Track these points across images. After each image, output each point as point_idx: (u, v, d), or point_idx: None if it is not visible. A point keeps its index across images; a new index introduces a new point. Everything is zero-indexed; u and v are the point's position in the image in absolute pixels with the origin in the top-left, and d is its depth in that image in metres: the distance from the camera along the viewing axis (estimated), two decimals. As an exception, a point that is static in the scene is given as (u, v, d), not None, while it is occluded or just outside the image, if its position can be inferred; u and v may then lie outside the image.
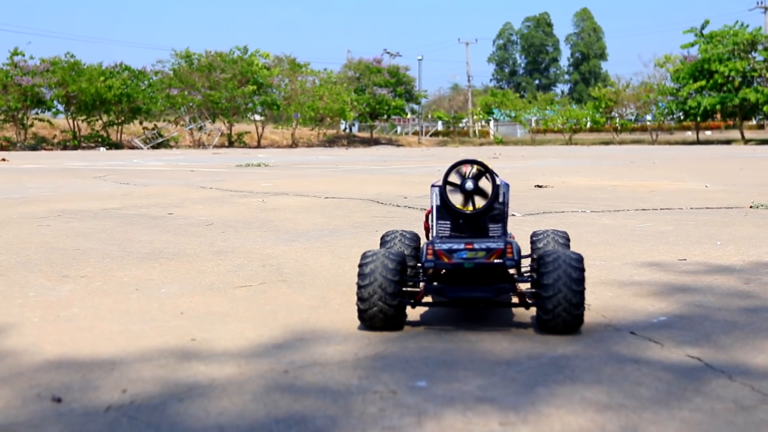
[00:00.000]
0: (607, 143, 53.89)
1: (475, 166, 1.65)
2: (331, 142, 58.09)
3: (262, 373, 1.22)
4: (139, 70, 45.27)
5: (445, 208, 1.63)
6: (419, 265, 1.68)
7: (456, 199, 1.63)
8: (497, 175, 1.64)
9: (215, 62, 46.52)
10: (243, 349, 1.38)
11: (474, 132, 68.81)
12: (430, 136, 70.40)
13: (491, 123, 67.18)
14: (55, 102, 41.31)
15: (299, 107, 49.16)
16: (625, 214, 3.66)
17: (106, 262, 2.38)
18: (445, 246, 1.52)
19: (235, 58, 47.30)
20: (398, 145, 60.12)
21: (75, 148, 41.11)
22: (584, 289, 1.44)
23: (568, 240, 1.91)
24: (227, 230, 3.13)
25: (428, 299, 1.74)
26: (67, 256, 2.48)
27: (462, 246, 1.51)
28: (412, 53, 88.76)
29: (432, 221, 1.66)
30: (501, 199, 1.65)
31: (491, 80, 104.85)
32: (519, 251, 1.62)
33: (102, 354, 1.35)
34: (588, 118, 56.85)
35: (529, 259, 1.89)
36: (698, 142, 46.06)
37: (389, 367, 1.24)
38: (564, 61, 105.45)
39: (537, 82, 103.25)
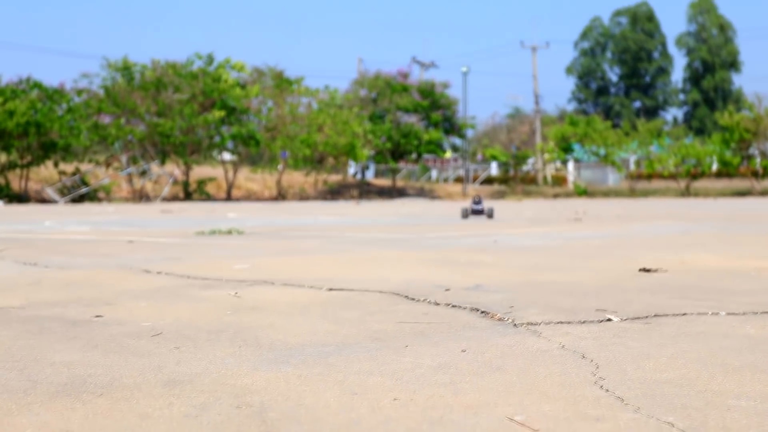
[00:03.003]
0: (742, 194, 53.99)
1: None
2: (335, 193, 58.52)
3: None
4: (54, 89, 46.10)
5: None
6: None
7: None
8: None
9: (166, 77, 47.32)
10: None
11: (544, 178, 69.06)
12: (481, 183, 70.78)
13: (569, 165, 67.43)
14: None
15: (288, 142, 49.70)
16: (780, 319, 3.60)
17: None
18: None
19: (195, 71, 48.08)
20: (433, 197, 60.48)
21: (-44, 202, 41.63)
22: None
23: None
24: (183, 345, 3.10)
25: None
26: (-55, 390, 2.46)
27: None
28: (453, 64, 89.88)
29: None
30: None
31: (570, 101, 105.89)
32: None
33: None
34: (714, 158, 57.04)
35: None
36: None
37: None
38: (677, 74, 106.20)
39: (637, 104, 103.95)
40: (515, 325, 3.46)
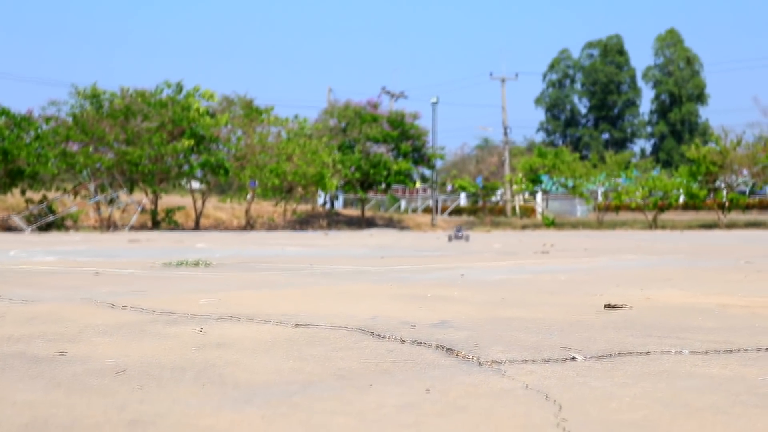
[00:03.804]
0: (709, 226, 54.37)
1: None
2: (303, 222, 58.48)
3: None
4: (22, 115, 45.89)
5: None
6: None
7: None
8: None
9: (135, 105, 47.20)
10: None
11: (513, 209, 69.31)
12: (449, 214, 70.99)
13: (538, 196, 67.71)
14: None
15: (257, 171, 49.66)
16: (742, 358, 3.63)
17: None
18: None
19: (164, 99, 47.98)
20: (402, 228, 60.56)
21: None
22: None
23: None
24: (147, 383, 3.09)
25: None
26: None
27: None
28: (422, 94, 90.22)
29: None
30: None
31: (539, 131, 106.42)
32: None
33: None
34: (681, 190, 57.46)
35: None
36: (844, 226, 46.41)
37: None
38: (645, 106, 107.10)
39: (606, 136, 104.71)
40: (480, 363, 3.47)
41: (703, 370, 3.34)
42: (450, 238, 23.89)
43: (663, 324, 4.69)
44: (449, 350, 3.75)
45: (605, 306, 5.45)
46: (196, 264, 9.96)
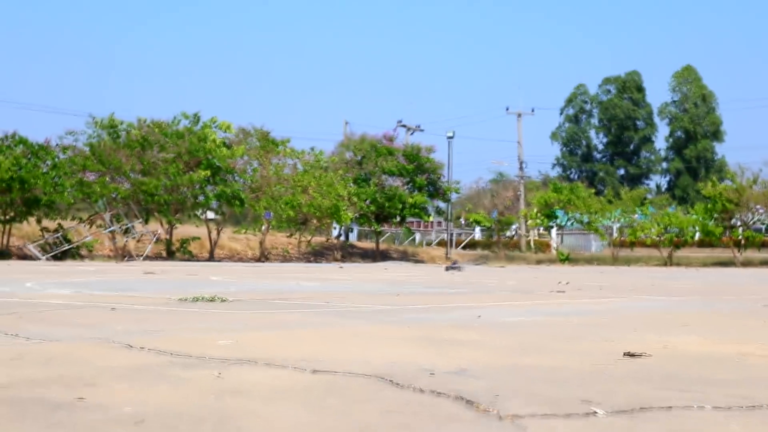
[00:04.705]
0: (724, 264, 54.13)
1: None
2: (317, 254, 58.51)
3: None
4: (39, 144, 46.10)
5: None
6: None
7: None
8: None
9: (152, 135, 47.40)
10: None
11: (528, 243, 69.19)
12: (464, 247, 70.89)
13: (553, 231, 67.62)
14: None
15: (272, 203, 49.75)
16: (764, 416, 3.59)
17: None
18: None
19: (180, 130, 48.21)
20: (416, 261, 60.50)
21: (-64, 258, 41.43)
22: None
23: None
24: (166, 435, 3.08)
25: None
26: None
27: None
28: (438, 128, 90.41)
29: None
30: None
31: (555, 166, 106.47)
32: None
33: None
34: (696, 227, 57.30)
35: None
36: None
37: None
38: (660, 142, 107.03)
39: (621, 171, 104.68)
40: (500, 417, 3.45)
41: (726, 428, 3.32)
42: (447, 269, 30.70)
43: (683, 375, 4.66)
44: (469, 402, 3.73)
45: (624, 354, 5.42)
46: (212, 300, 9.96)
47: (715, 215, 56.65)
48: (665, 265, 55.20)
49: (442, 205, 64.22)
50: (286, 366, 4.69)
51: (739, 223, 58.19)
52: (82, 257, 45.47)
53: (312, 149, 53.89)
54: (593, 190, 63.66)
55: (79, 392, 3.84)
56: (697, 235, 59.87)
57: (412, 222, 67.91)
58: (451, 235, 68.55)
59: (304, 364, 4.77)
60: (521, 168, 73.64)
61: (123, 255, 46.49)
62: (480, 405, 3.68)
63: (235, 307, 9.11)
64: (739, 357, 5.47)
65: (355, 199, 54.39)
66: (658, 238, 58.26)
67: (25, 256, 44.45)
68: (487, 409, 3.60)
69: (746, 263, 54.81)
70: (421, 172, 58.79)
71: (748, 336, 6.90)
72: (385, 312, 8.65)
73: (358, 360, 4.98)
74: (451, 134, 62.31)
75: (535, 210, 63.05)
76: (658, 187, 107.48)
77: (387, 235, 69.71)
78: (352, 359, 5.01)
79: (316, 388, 4.07)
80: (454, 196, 65.99)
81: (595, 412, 3.56)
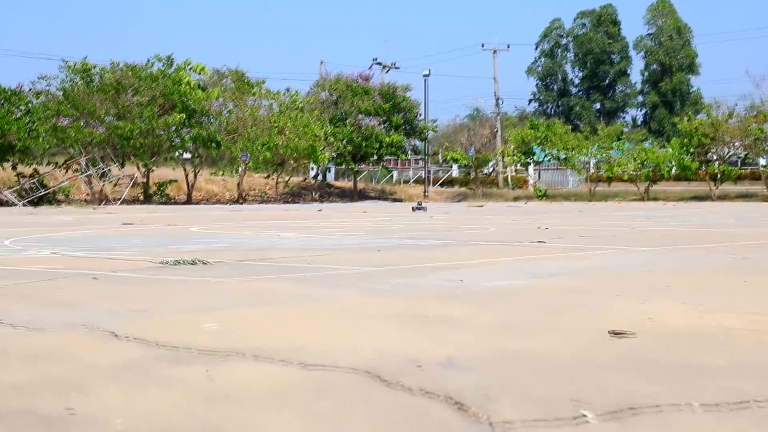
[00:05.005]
0: (701, 198, 54.47)
1: None
2: (295, 195, 58.50)
3: None
4: (12, 90, 45.75)
5: None
6: None
7: None
8: None
9: (126, 79, 47.06)
10: None
11: (505, 179, 69.32)
12: (441, 185, 71.00)
13: (530, 167, 67.73)
14: None
15: (248, 145, 49.57)
16: (754, 417, 3.60)
17: None
18: None
19: (155, 72, 47.89)
20: (394, 200, 60.55)
21: None
22: None
23: None
24: (158, 457, 3.07)
25: None
26: None
27: None
28: (414, 66, 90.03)
29: None
30: None
31: (532, 102, 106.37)
32: None
33: None
34: (673, 162, 57.49)
35: None
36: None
37: None
38: (636, 76, 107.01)
39: (597, 105, 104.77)
40: (491, 424, 3.45)
41: (717, 434, 3.33)
42: (414, 209, 35.13)
43: (670, 362, 4.68)
44: (459, 405, 3.73)
45: (609, 333, 5.43)
46: (194, 263, 9.94)
47: (692, 150, 56.88)
48: (642, 200, 55.50)
49: (418, 143, 64.17)
50: (274, 359, 4.69)
51: (715, 158, 58.43)
52: (59, 202, 45.33)
53: (287, 90, 53.71)
54: (570, 127, 63.74)
55: (68, 400, 3.82)
56: (674, 170, 60.15)
57: (389, 160, 67.87)
58: (429, 172, 68.62)
59: (291, 355, 4.76)
60: (498, 105, 73.59)
61: (100, 199, 46.35)
62: (470, 408, 3.68)
63: (217, 272, 9.10)
64: (725, 333, 5.49)
65: (331, 139, 54.25)
66: (634, 173, 58.49)
67: (1, 202, 44.26)
68: (478, 414, 3.60)
69: (722, 197, 55.15)
70: (398, 111, 58.65)
71: (732, 302, 6.92)
72: (368, 276, 8.65)
73: (345, 348, 4.98)
74: (427, 72, 62.13)
75: (512, 147, 63.10)
76: (634, 120, 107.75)
77: (364, 173, 69.72)
78: (339, 347, 5.01)
79: (305, 388, 4.07)
80: (430, 135, 65.88)
81: (585, 416, 3.57)
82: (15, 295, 7.30)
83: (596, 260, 10.76)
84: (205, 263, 10.00)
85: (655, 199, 55.57)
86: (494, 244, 14.04)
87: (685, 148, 56.32)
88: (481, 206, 41.03)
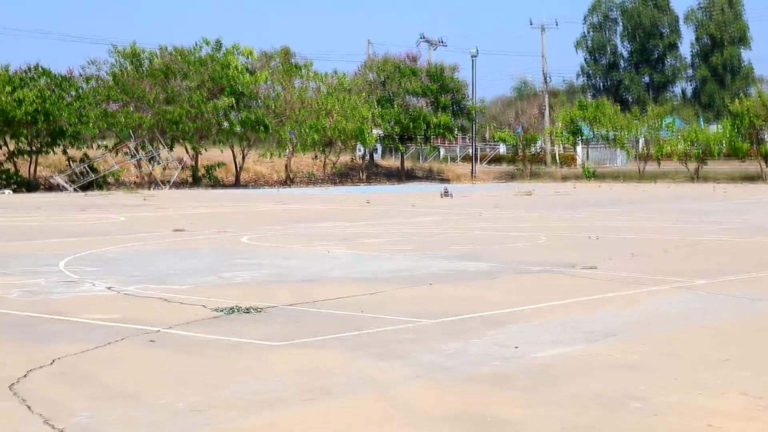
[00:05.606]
0: (752, 178, 53.84)
1: None
2: (343, 175, 58.53)
3: None
4: (63, 76, 46.15)
5: None
6: None
7: None
8: None
9: (174, 64, 47.27)
10: None
11: (553, 157, 68.85)
12: (488, 163, 70.64)
13: (578, 147, 67.24)
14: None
15: (296, 127, 49.61)
16: None
17: None
18: None
19: (203, 57, 48.07)
20: (441, 180, 60.28)
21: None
22: None
23: None
24: None
25: None
26: None
27: None
28: (461, 43, 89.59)
29: None
30: None
31: (580, 76, 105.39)
32: None
33: None
34: (724, 143, 56.92)
35: None
36: None
37: None
38: (686, 49, 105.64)
39: (646, 79, 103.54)
40: None
41: None
42: (441, 195, 36.68)
43: None
44: None
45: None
46: (248, 311, 9.97)
47: (743, 131, 56.37)
48: (692, 180, 55.01)
49: (467, 124, 63.91)
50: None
51: (767, 137, 57.83)
52: (109, 185, 45.70)
53: (335, 72, 53.61)
54: (618, 107, 63.15)
55: None
56: (724, 149, 59.62)
57: (437, 137, 67.66)
58: (476, 150, 68.30)
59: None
60: (546, 81, 73.02)
61: (150, 183, 46.67)
62: None
63: (270, 330, 9.07)
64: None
65: (379, 120, 54.18)
66: (686, 153, 58.09)
67: (52, 187, 44.69)
68: None
69: (775, 177, 54.61)
70: (445, 92, 58.47)
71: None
72: (424, 339, 8.58)
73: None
74: (474, 52, 61.70)
75: (560, 127, 62.73)
76: (683, 93, 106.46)
77: (412, 150, 69.55)
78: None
79: None
80: (478, 115, 65.62)
81: None
82: (74, 376, 7.28)
83: (648, 306, 10.60)
84: (258, 311, 10.04)
85: (705, 178, 55.01)
86: (545, 271, 13.80)
87: (736, 129, 55.78)
88: (529, 194, 40.74)
